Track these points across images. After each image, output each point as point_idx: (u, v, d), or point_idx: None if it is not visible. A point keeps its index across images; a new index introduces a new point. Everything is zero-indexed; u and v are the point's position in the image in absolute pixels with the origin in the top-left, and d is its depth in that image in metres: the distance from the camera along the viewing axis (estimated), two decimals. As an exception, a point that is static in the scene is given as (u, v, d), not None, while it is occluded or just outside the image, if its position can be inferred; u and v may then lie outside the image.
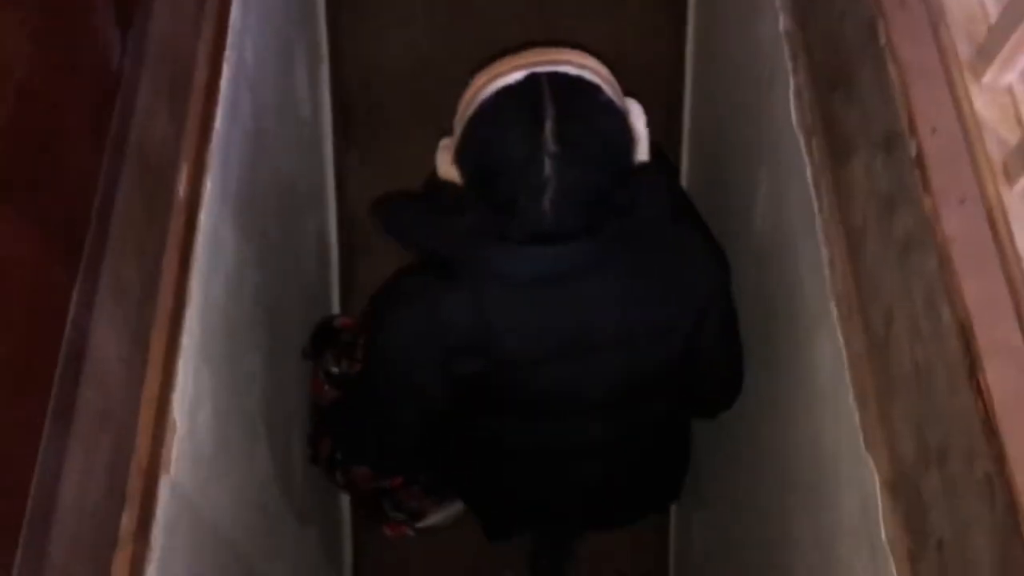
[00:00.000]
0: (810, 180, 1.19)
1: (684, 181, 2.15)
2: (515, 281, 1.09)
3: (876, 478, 0.95)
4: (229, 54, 1.25)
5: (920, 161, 0.90)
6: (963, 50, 0.88)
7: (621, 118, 1.07)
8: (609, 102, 1.06)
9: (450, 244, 1.09)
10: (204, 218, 1.11)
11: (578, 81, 1.04)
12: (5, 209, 0.73)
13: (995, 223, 0.81)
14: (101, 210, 0.88)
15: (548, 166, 0.99)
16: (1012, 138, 0.81)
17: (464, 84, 1.11)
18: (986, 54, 0.84)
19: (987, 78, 0.84)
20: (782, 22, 1.34)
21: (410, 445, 1.33)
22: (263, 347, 1.44)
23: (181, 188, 1.07)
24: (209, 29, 1.19)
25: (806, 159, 1.21)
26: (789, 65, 1.29)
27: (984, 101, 0.85)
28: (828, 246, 1.12)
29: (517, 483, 1.45)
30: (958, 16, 0.92)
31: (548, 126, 0.99)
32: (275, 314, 1.52)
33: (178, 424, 0.99)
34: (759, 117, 1.47)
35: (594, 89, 1.05)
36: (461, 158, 1.07)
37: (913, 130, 0.92)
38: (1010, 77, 0.84)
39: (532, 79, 1.03)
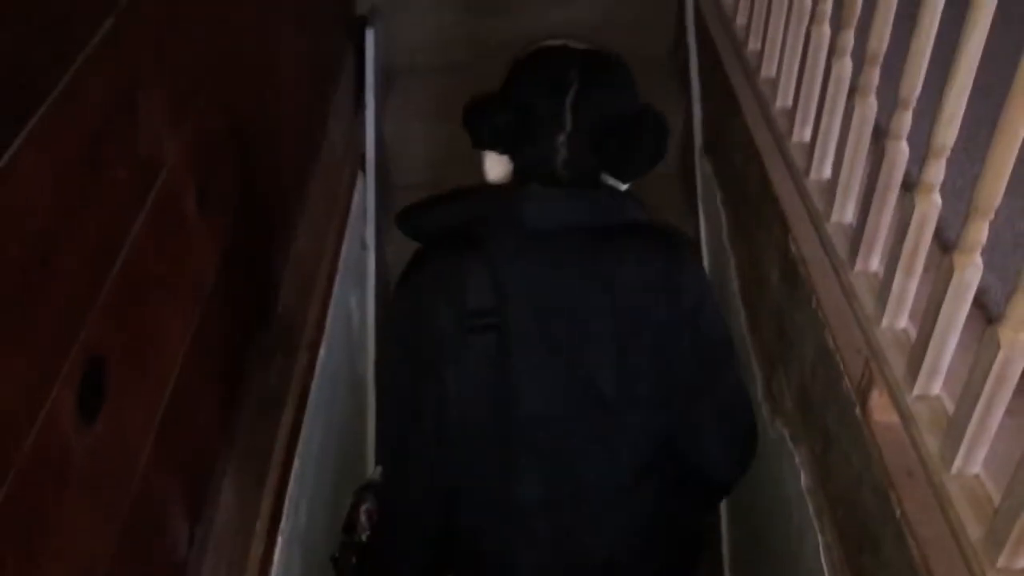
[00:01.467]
0: (853, 643, 1.19)
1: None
2: (525, 231, 1.15)
3: None
4: (284, 526, 1.34)
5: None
6: (972, 530, 0.93)
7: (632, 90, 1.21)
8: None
9: (464, 209, 1.21)
10: None
11: (606, 58, 1.21)
12: None
13: None
14: None
15: (570, 99, 1.14)
16: (1038, 625, 0.83)
17: None
18: (995, 540, 0.89)
19: (1001, 562, 0.88)
20: (803, 479, 1.42)
21: (420, 491, 1.28)
22: None
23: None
24: (268, 506, 1.29)
25: (847, 622, 1.21)
26: (815, 523, 1.34)
27: (1003, 585, 0.88)
28: None
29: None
30: (961, 493, 0.97)
31: (573, 74, 1.16)
32: None
33: None
34: (795, 569, 1.49)
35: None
36: (500, 101, 1.18)
37: (945, 607, 0.95)
38: (1022, 563, 0.87)
39: (566, 47, 1.21)
